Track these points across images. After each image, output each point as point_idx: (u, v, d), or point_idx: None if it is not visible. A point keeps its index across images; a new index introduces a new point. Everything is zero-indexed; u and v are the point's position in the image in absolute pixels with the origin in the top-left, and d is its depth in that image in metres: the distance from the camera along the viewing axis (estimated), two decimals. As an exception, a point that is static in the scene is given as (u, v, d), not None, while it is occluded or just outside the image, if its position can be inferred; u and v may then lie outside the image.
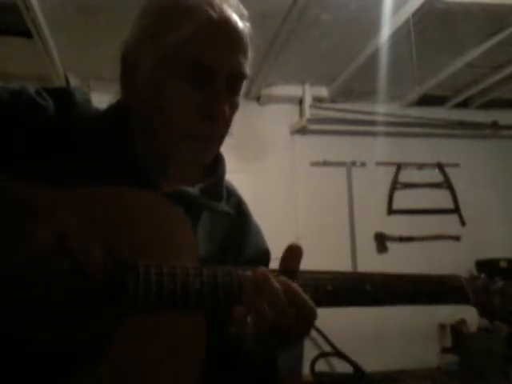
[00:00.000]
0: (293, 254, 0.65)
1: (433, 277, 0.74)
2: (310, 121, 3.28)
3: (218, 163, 0.81)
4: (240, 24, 0.71)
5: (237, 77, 0.71)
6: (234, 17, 0.70)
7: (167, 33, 0.68)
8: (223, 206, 0.80)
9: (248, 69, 0.72)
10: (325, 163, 3.40)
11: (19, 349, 0.56)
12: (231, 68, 0.70)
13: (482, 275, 0.78)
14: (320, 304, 0.63)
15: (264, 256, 0.86)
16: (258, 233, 0.88)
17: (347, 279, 0.69)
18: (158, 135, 0.72)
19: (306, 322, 0.61)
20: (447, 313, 3.22)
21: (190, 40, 0.67)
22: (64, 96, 0.73)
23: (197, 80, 0.68)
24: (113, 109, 0.77)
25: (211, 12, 0.68)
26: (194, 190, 0.76)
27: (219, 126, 0.72)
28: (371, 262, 3.25)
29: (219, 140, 0.74)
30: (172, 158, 0.73)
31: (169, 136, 0.71)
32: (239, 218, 0.85)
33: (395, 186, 3.47)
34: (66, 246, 0.57)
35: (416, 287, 0.71)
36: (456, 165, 3.57)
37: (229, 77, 0.70)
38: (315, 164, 3.40)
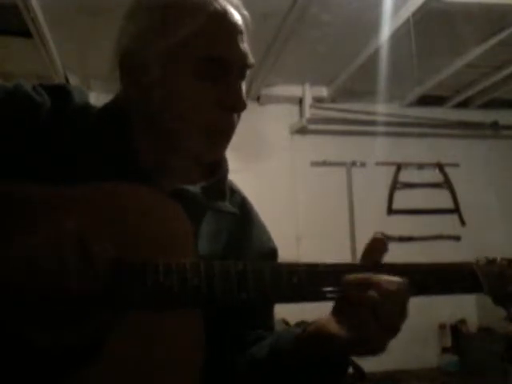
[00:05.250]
0: (377, 246, 0.64)
1: (441, 265, 0.69)
2: (309, 121, 3.28)
3: (220, 162, 0.81)
4: (239, 14, 0.72)
5: (247, 66, 0.72)
6: (233, 8, 0.72)
7: (175, 30, 0.68)
8: (227, 206, 0.80)
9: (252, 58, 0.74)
10: (325, 163, 3.40)
11: (18, 349, 0.56)
12: (242, 59, 0.71)
13: (499, 259, 0.72)
14: None
15: (269, 255, 0.85)
16: (262, 231, 0.87)
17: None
18: (171, 133, 0.71)
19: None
20: (447, 313, 3.22)
21: (200, 35, 0.67)
22: (61, 93, 0.73)
23: (212, 74, 0.69)
24: (110, 107, 0.76)
25: (216, 5, 0.69)
26: (195, 189, 0.75)
27: (236, 117, 0.73)
28: (371, 262, 3.24)
29: (233, 132, 0.75)
30: (185, 154, 0.73)
31: (187, 133, 0.70)
32: (243, 217, 0.84)
33: (395, 185, 3.46)
34: (84, 243, 0.56)
35: (423, 277, 0.66)
36: (456, 165, 3.56)
37: (240, 67, 0.71)
38: (315, 164, 3.39)
